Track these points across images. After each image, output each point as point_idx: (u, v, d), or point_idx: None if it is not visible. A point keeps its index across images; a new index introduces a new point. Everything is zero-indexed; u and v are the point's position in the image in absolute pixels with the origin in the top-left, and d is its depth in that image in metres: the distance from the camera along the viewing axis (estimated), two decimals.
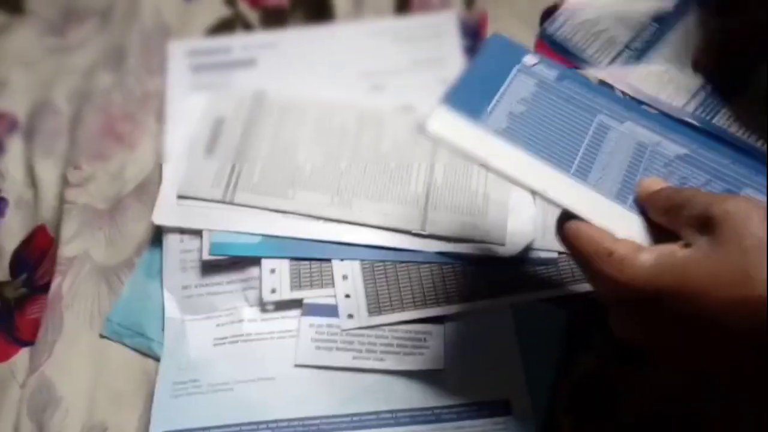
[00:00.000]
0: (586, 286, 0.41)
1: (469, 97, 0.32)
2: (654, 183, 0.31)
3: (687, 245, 0.27)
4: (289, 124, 0.47)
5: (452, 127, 0.31)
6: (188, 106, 0.48)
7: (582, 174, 0.31)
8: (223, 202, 0.44)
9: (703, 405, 0.39)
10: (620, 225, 0.30)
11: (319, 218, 0.44)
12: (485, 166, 0.31)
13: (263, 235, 0.43)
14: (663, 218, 0.29)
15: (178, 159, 0.46)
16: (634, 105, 0.35)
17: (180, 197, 0.44)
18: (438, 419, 0.39)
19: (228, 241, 0.43)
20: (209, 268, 0.43)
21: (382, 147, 0.46)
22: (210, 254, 0.42)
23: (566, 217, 0.31)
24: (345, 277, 0.42)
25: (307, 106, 0.48)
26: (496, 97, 0.32)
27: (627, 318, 0.29)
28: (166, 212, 0.44)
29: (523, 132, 0.32)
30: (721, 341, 0.25)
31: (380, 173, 0.45)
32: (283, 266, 0.42)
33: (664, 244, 0.28)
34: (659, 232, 0.30)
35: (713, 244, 0.25)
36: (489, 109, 0.32)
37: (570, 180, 0.31)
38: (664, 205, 0.29)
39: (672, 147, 0.33)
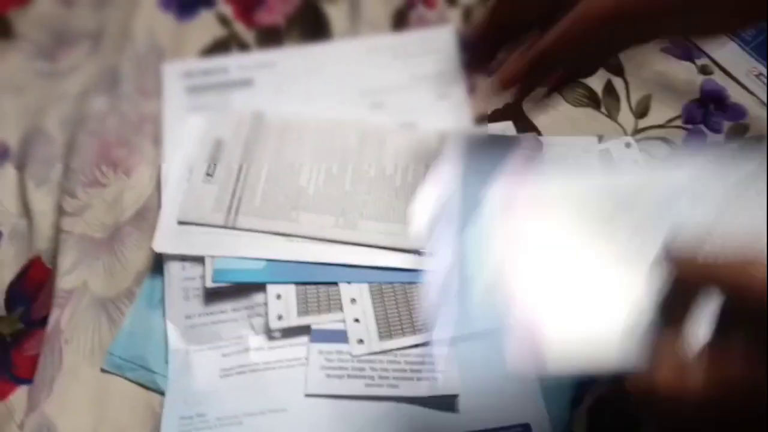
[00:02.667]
0: None
1: None
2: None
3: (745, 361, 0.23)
4: (290, 144, 0.46)
5: None
6: (186, 129, 0.47)
7: None
8: (225, 227, 0.43)
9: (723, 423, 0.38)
10: None
11: (324, 240, 0.43)
12: None
13: (268, 260, 0.42)
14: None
15: (177, 183, 0.45)
16: None
17: (180, 223, 0.43)
18: None
19: (232, 267, 0.42)
20: (213, 295, 0.42)
21: (385, 165, 0.45)
22: (213, 281, 0.41)
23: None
24: (353, 301, 0.41)
25: (307, 125, 0.47)
26: None
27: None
28: (166, 239, 0.43)
29: None
30: None
31: (385, 192, 0.44)
32: (290, 291, 0.41)
33: (716, 361, 0.24)
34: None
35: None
36: None
37: None
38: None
39: None
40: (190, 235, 0.43)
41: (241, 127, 0.47)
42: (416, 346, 0.40)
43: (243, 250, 0.42)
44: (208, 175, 0.45)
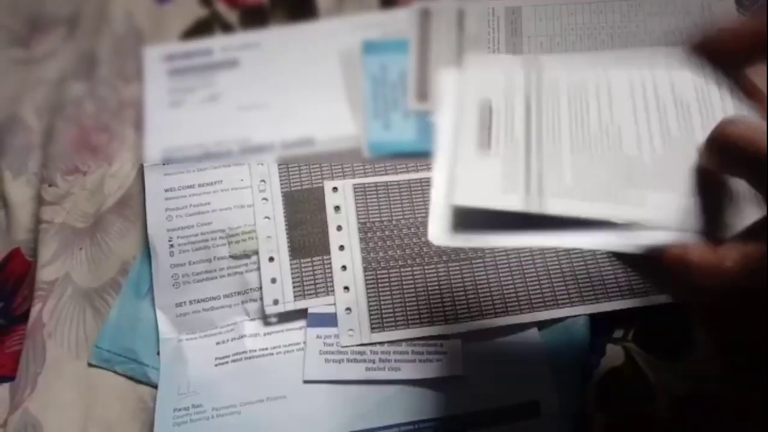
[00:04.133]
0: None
1: None
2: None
3: None
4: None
5: None
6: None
7: None
8: (526, 212, 0.27)
9: (737, 389, 0.37)
10: None
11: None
12: None
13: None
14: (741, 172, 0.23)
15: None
16: None
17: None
18: (464, 428, 0.36)
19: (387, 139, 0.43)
20: (204, 280, 0.40)
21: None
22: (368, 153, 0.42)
23: None
24: (347, 289, 0.39)
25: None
26: None
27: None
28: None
29: None
30: None
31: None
32: (285, 275, 0.39)
33: (742, 241, 0.23)
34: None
35: None
36: None
37: None
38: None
39: None
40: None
41: (515, 82, 0.30)
42: (410, 340, 0.38)
43: None
44: (482, 146, 0.32)
